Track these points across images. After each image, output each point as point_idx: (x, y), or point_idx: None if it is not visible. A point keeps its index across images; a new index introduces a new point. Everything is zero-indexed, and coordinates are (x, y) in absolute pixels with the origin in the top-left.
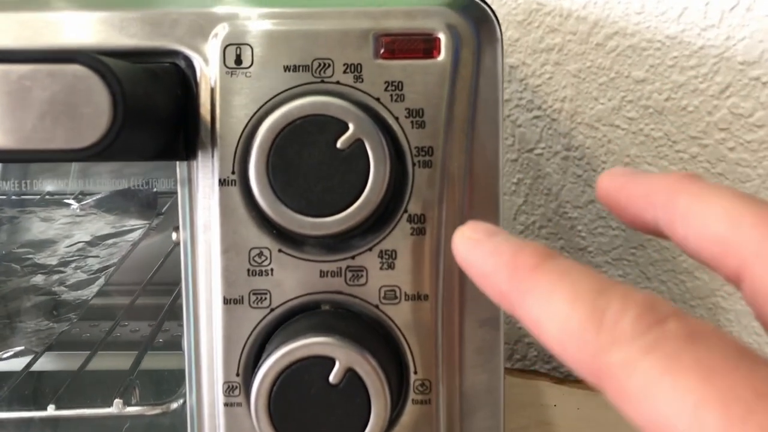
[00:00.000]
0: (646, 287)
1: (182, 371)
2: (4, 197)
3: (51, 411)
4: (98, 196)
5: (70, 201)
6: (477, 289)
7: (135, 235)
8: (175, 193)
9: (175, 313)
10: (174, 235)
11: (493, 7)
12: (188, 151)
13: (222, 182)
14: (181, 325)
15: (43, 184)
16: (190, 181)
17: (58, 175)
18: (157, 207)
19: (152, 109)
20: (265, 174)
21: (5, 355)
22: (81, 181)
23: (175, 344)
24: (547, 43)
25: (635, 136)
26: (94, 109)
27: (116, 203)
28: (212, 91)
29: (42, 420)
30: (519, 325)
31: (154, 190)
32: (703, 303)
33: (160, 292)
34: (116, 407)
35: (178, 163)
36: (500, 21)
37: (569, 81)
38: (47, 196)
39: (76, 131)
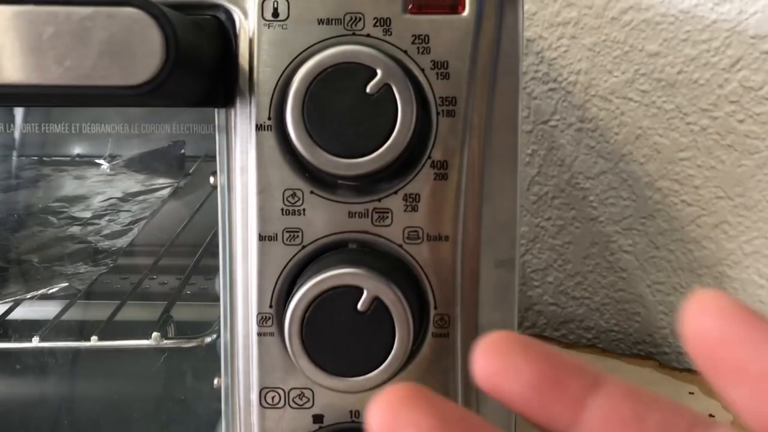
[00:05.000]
0: (655, 256)
1: (207, 322)
2: (37, 158)
3: (94, 341)
4: (127, 157)
5: (101, 161)
6: (494, 231)
7: (164, 193)
8: (200, 157)
9: (199, 269)
10: (211, 179)
11: None
12: (227, 99)
13: (259, 127)
14: (208, 279)
15: (74, 149)
16: (227, 128)
17: (89, 139)
18: (184, 168)
19: (197, 56)
20: (300, 119)
21: (50, 291)
22: (111, 145)
23: (200, 296)
24: (564, 17)
25: (647, 109)
26: (148, 49)
27: (145, 164)
28: (250, 42)
29: (86, 351)
30: (529, 293)
31: (182, 152)
32: (710, 272)
33: (185, 253)
34: (154, 340)
35: (216, 110)
36: None
37: (584, 54)
38: (77, 158)
39: (132, 69)
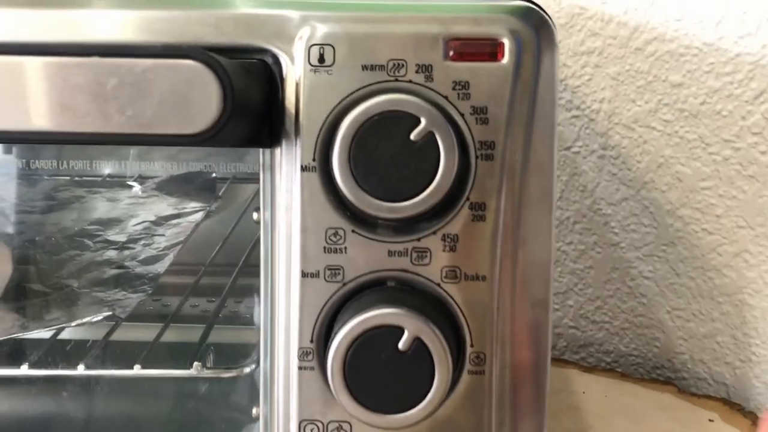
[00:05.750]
0: (675, 283)
1: (243, 345)
2: (68, 178)
3: (137, 370)
4: (159, 179)
5: (132, 183)
6: (530, 272)
7: (197, 217)
8: (228, 178)
9: (235, 290)
10: (255, 215)
11: None
12: (273, 140)
13: (304, 168)
14: (239, 302)
15: (102, 168)
16: (272, 167)
17: (116, 158)
18: (215, 191)
19: (248, 101)
20: (347, 164)
21: (95, 320)
22: (138, 165)
23: (232, 319)
24: (588, 46)
25: (670, 138)
26: (206, 100)
27: (176, 186)
28: (297, 86)
29: (128, 379)
30: None
31: (213, 175)
32: (730, 299)
33: (217, 273)
34: (195, 369)
35: (261, 150)
36: None
37: (608, 83)
38: (108, 178)
39: (190, 119)
